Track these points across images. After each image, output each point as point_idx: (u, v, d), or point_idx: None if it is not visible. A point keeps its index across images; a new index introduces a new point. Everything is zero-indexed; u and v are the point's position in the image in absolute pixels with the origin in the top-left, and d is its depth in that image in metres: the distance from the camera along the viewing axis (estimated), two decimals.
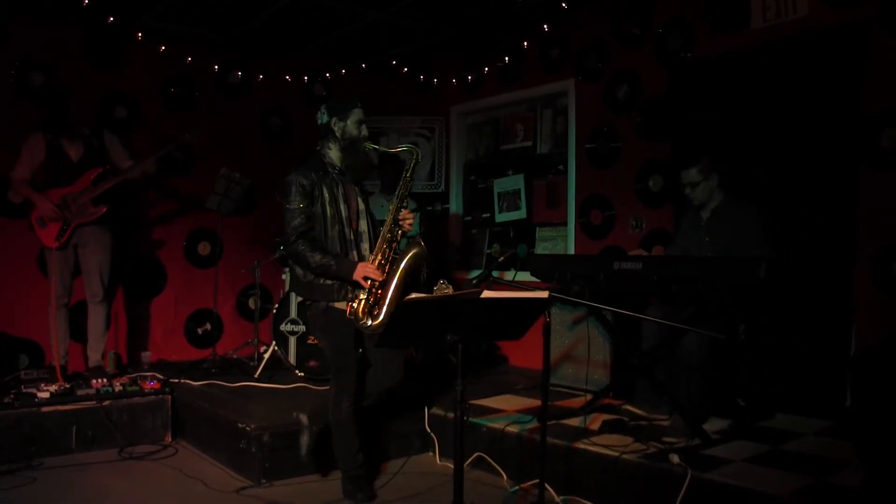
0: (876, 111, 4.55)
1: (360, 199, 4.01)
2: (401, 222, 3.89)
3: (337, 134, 3.95)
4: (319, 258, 3.74)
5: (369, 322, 3.76)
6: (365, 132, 3.99)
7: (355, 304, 3.77)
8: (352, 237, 3.90)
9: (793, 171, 4.95)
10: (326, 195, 3.83)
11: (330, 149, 3.97)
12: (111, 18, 5.90)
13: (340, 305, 3.83)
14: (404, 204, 3.93)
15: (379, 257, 3.81)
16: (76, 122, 5.43)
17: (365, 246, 3.94)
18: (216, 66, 6.80)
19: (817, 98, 4.84)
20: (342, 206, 3.88)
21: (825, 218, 4.80)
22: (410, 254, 3.80)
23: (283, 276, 6.30)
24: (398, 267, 3.79)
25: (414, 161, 4.02)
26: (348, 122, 3.94)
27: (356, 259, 3.85)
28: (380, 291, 3.78)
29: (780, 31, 5.01)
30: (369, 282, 3.74)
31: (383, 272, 3.79)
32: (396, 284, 3.77)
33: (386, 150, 4.22)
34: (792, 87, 4.97)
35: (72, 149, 5.36)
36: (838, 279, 4.71)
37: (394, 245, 3.87)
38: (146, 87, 6.51)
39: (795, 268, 4.78)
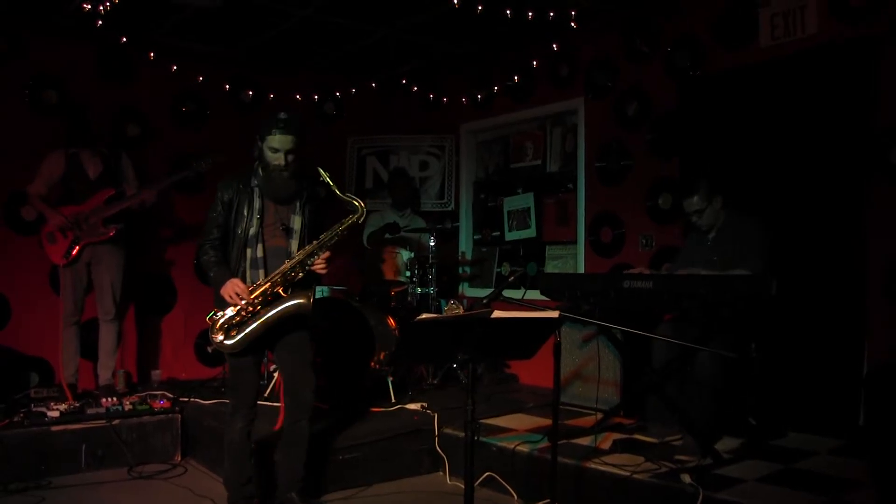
0: (886, 126, 4.54)
1: (296, 218, 3.86)
2: (312, 267, 3.72)
3: (256, 153, 3.85)
4: (211, 267, 3.68)
5: (219, 337, 3.61)
6: (279, 161, 3.74)
7: (217, 316, 3.64)
8: (259, 255, 3.72)
9: (803, 187, 4.93)
10: (239, 208, 3.74)
11: (256, 163, 3.87)
12: (124, 39, 5.95)
13: None
14: (322, 251, 3.76)
15: (266, 286, 3.64)
16: (96, 137, 5.49)
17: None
18: (227, 85, 6.84)
19: (827, 114, 4.83)
20: (253, 222, 3.73)
21: (836, 234, 4.78)
22: (293, 303, 3.64)
23: None
24: (276, 307, 3.64)
25: (355, 219, 3.89)
26: (264, 145, 3.77)
27: (259, 278, 3.70)
28: (249, 317, 3.64)
29: (789, 48, 5.01)
30: (238, 300, 3.59)
31: (260, 299, 3.63)
32: (265, 321, 3.62)
33: (334, 189, 3.92)
34: (801, 102, 4.96)
35: (90, 166, 5.41)
36: (850, 295, 4.67)
37: (292, 279, 3.67)
38: (158, 104, 6.56)
39: (807, 284, 4.76)
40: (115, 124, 6.32)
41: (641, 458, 3.97)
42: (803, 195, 4.93)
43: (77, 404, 4.88)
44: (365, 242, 6.86)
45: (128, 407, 4.94)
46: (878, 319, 4.55)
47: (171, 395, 5.39)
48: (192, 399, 5.41)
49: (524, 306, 3.63)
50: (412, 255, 6.14)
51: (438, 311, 6.04)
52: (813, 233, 4.87)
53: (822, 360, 4.73)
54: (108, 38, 5.98)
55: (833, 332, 4.74)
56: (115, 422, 4.81)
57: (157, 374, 6.39)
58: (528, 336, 3.15)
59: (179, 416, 5.09)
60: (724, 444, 4.24)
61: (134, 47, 6.23)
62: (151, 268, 6.52)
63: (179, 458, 5.02)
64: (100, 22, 5.33)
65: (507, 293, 3.63)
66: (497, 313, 2.82)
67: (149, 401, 5.11)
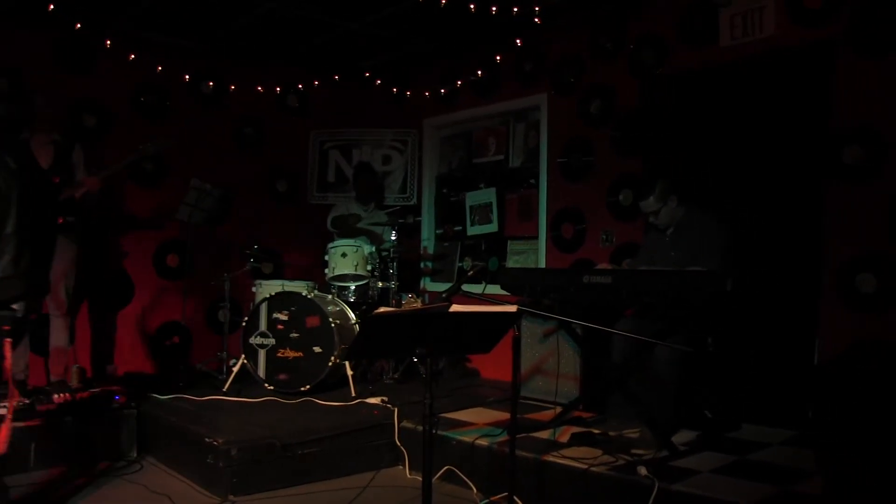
0: (840, 128, 4.63)
1: None
2: None
3: None
4: None
5: None
6: None
7: None
8: None
9: (762, 186, 5.03)
10: None
11: None
12: (78, 25, 5.83)
13: None
14: None
15: None
16: (49, 124, 5.31)
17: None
18: (187, 76, 6.75)
19: (785, 114, 4.92)
20: None
21: (793, 232, 4.88)
22: None
23: (254, 289, 6.27)
24: None
25: None
26: None
27: None
28: None
29: (749, 49, 5.09)
30: None
31: None
32: None
33: None
34: (760, 103, 5.05)
35: (42, 155, 5.24)
36: (803, 293, 4.78)
37: None
38: (117, 95, 6.45)
39: (763, 281, 4.84)
40: (72, 114, 6.19)
41: (599, 452, 4.01)
42: (762, 194, 5.02)
43: (27, 401, 4.76)
44: (329, 226, 6.84)
45: (82, 403, 4.84)
46: (829, 316, 4.65)
47: (127, 391, 5.28)
48: (149, 394, 5.33)
49: (484, 301, 3.62)
50: (374, 249, 6.12)
51: (399, 305, 6.03)
52: (771, 231, 4.96)
53: (775, 354, 4.83)
54: (65, 26, 5.86)
55: (786, 327, 4.86)
56: (68, 418, 4.72)
57: (112, 370, 6.28)
58: (487, 330, 3.17)
59: (136, 411, 5.00)
60: (681, 437, 4.30)
61: (91, 36, 6.11)
62: (107, 261, 6.41)
63: (135, 455, 4.93)
64: (52, 6, 5.22)
65: (467, 288, 3.62)
66: (455, 307, 2.82)
67: (104, 396, 5.01)
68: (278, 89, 7.29)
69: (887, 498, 3.39)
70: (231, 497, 4.14)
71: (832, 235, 4.66)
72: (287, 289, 5.81)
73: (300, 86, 7.39)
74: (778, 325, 4.86)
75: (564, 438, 4.32)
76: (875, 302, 4.46)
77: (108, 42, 6.14)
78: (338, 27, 6.29)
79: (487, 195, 7.06)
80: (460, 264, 7.33)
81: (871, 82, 4.51)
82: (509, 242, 6.92)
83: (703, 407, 4.68)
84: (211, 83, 6.93)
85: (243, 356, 5.69)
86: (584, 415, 4.95)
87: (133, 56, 6.35)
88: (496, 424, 4.66)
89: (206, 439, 4.32)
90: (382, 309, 2.80)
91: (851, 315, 4.55)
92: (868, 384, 4.36)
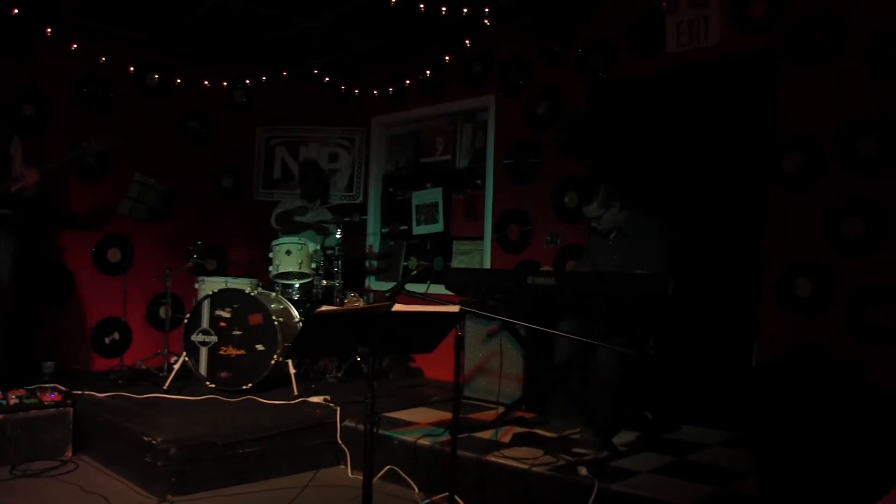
0: (782, 136, 4.75)
1: None
2: None
3: None
4: None
5: None
6: None
7: None
8: None
9: (705, 191, 5.12)
10: None
11: None
12: (16, 10, 5.66)
13: None
14: None
15: None
16: None
17: None
18: (132, 68, 6.62)
19: (729, 122, 5.02)
20: None
21: (734, 236, 4.98)
22: None
23: (197, 285, 6.17)
24: None
25: None
26: None
27: None
28: None
29: (695, 56, 5.18)
30: None
31: None
32: None
33: None
34: (705, 109, 5.14)
35: None
36: (744, 296, 4.88)
37: None
38: (58, 84, 6.28)
39: (704, 284, 4.93)
40: (9, 103, 6.01)
41: (541, 452, 4.04)
42: (706, 199, 5.11)
43: None
44: (274, 223, 6.77)
45: (13, 401, 4.70)
46: (767, 319, 4.77)
47: (63, 389, 5.15)
48: (86, 392, 5.20)
49: (427, 301, 3.63)
50: (319, 246, 6.08)
51: (342, 304, 6.00)
52: (713, 235, 5.06)
53: (715, 356, 4.92)
54: (0, 10, 5.69)
55: (726, 330, 4.95)
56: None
57: (49, 366, 6.10)
58: (429, 330, 3.17)
59: (72, 409, 4.87)
60: (621, 438, 4.36)
61: (30, 22, 5.94)
62: (46, 256, 6.25)
63: (70, 454, 4.80)
64: None
65: (411, 287, 3.62)
66: (397, 307, 2.82)
67: (38, 394, 4.88)
68: (225, 84, 7.18)
69: (817, 496, 3.49)
70: (169, 497, 4.07)
71: (772, 240, 4.78)
72: (230, 286, 5.74)
73: (248, 81, 7.30)
74: (718, 328, 4.95)
75: (506, 438, 4.35)
76: (811, 306, 4.59)
77: (49, 29, 5.98)
78: (287, 23, 6.23)
79: (434, 195, 7.07)
80: (405, 263, 7.32)
81: (810, 91, 4.64)
82: (455, 242, 6.94)
83: (644, 408, 4.76)
84: (156, 76, 6.81)
85: (185, 354, 5.60)
86: (527, 415, 4.99)
87: (75, 45, 6.20)
88: (439, 424, 4.67)
89: (145, 438, 4.24)
90: (324, 308, 2.78)
91: (789, 318, 4.67)
92: (802, 386, 4.49)
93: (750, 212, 4.89)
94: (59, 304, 6.35)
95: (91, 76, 6.46)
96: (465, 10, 5.62)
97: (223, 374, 5.50)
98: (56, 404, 4.83)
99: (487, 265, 6.46)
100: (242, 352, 5.47)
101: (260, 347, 5.41)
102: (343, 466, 4.68)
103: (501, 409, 4.86)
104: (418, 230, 7.20)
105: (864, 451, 4.02)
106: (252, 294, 5.54)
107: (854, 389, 4.34)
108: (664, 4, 5.26)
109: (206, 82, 6.97)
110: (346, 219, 6.37)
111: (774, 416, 4.44)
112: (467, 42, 6.31)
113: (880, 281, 4.34)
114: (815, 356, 4.54)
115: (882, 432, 4.11)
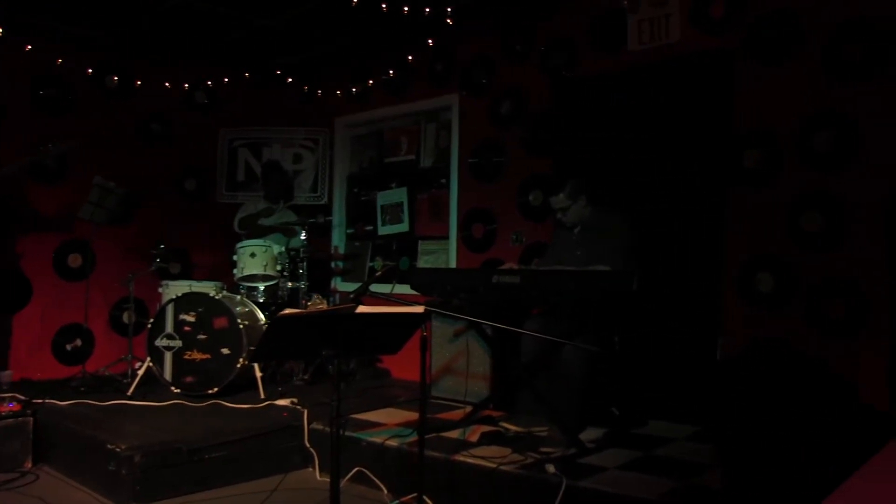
0: (741, 133, 4.81)
1: None
2: None
3: None
4: None
5: None
6: None
7: None
8: None
9: (669, 188, 5.16)
10: None
11: None
12: None
13: None
14: None
15: None
16: None
17: None
18: (90, 69, 6.51)
19: (690, 119, 5.08)
20: None
21: (697, 233, 5.04)
22: None
23: (160, 290, 6.09)
24: None
25: None
26: None
27: None
28: None
29: (656, 54, 5.23)
30: None
31: None
32: None
33: None
34: (667, 107, 5.19)
35: None
36: (707, 292, 4.93)
37: None
38: (12, 86, 6.15)
39: (668, 280, 4.97)
40: None
41: (508, 450, 4.05)
42: (669, 195, 5.16)
43: None
44: (237, 227, 6.71)
45: None
46: (731, 314, 4.83)
47: (22, 398, 5.06)
48: (47, 400, 5.11)
49: (392, 301, 3.62)
50: (283, 248, 6.04)
51: (307, 306, 5.97)
52: (676, 232, 5.11)
53: (680, 352, 4.97)
54: None
55: (691, 325, 4.99)
56: None
57: (7, 375, 5.98)
58: (395, 331, 3.16)
59: (32, 419, 4.77)
60: (589, 434, 4.38)
61: None
62: (4, 261, 6.11)
63: (30, 465, 4.70)
64: None
65: (376, 288, 3.60)
66: (362, 308, 2.81)
67: None
68: (186, 85, 7.11)
69: (779, 488, 3.54)
70: None
71: (734, 236, 4.84)
72: (195, 289, 5.68)
73: (209, 82, 7.22)
74: (682, 324, 4.99)
75: (474, 438, 4.35)
76: (773, 300, 4.66)
77: (0, 29, 5.85)
78: (249, 24, 6.18)
79: (398, 195, 7.06)
80: (371, 264, 7.30)
81: (769, 89, 4.71)
82: (420, 242, 6.93)
83: (610, 404, 4.79)
84: (116, 77, 6.71)
85: (149, 359, 5.53)
86: (494, 414, 4.99)
87: (30, 46, 6.08)
88: (406, 425, 4.65)
89: (108, 445, 4.17)
90: (288, 310, 2.75)
91: (751, 313, 4.74)
92: (764, 379, 4.55)
93: (712, 208, 4.95)
94: (16, 310, 6.21)
95: (48, 78, 6.34)
96: (428, 10, 5.61)
97: (188, 379, 5.43)
98: (14, 414, 4.73)
99: (453, 265, 6.46)
100: (207, 356, 5.41)
101: (225, 351, 5.36)
102: (311, 469, 4.64)
103: (469, 409, 4.86)
104: (384, 230, 7.18)
105: (825, 442, 4.09)
106: (217, 297, 5.48)
107: (816, 382, 4.41)
108: (626, 3, 5.30)
109: (167, 84, 6.89)
110: (311, 220, 6.34)
111: (738, 410, 4.50)
112: (430, 42, 6.31)
113: (839, 274, 4.41)
114: (779, 349, 4.61)
115: (843, 423, 4.19)
